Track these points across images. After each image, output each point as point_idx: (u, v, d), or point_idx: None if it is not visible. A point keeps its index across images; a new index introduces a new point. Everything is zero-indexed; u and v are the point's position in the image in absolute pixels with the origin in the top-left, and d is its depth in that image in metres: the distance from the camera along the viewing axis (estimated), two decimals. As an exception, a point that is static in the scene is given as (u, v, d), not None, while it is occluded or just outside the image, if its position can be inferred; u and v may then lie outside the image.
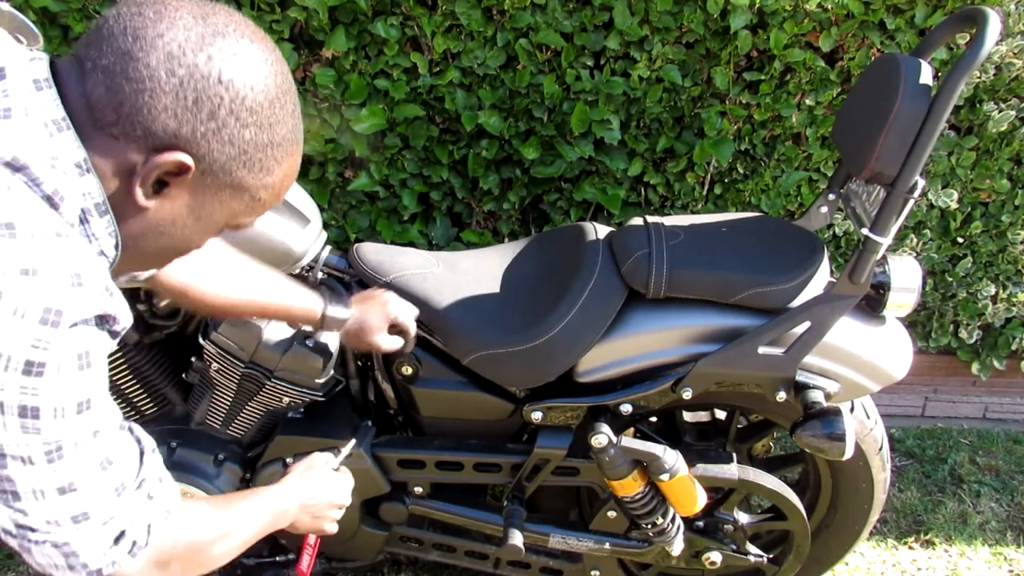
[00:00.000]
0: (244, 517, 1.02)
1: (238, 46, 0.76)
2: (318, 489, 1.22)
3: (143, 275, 1.14)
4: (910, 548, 2.14)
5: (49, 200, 0.72)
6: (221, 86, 0.74)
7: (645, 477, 1.49)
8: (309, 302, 1.35)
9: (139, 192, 0.76)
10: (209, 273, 1.27)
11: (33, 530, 0.75)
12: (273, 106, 0.79)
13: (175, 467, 1.51)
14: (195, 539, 0.92)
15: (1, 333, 0.66)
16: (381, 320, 1.40)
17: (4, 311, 0.66)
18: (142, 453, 0.84)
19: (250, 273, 1.31)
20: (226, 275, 1.29)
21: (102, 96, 0.73)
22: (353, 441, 1.45)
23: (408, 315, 1.43)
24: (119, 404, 1.52)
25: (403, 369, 1.53)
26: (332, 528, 1.27)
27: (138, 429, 0.85)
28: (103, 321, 0.75)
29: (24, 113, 0.71)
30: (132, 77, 0.72)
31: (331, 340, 1.49)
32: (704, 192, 2.18)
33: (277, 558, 1.70)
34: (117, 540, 0.80)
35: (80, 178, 0.74)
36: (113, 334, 0.77)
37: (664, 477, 1.45)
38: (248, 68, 0.76)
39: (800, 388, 1.42)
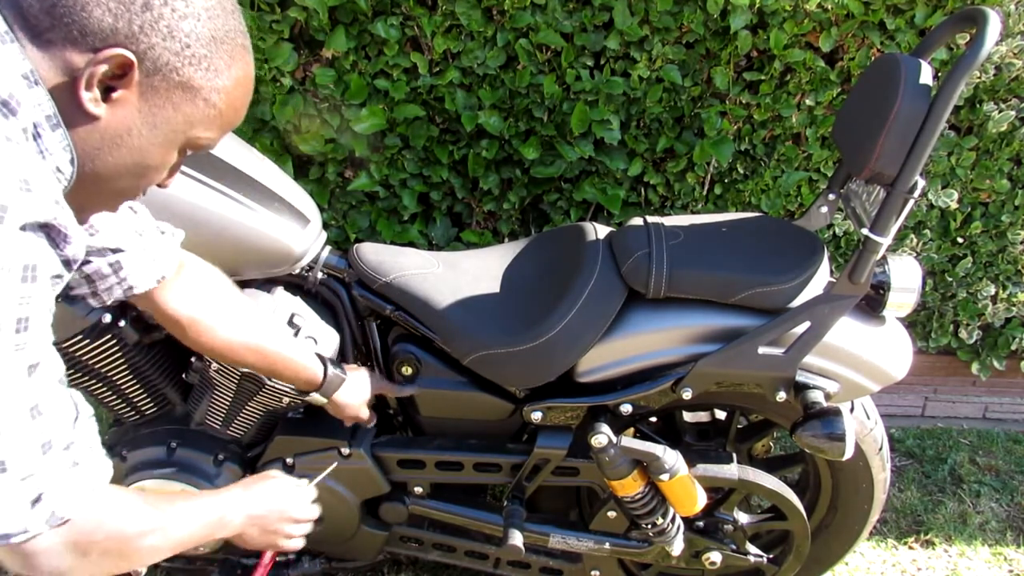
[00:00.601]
0: (180, 518, 0.96)
1: None
2: (269, 500, 1.16)
3: (139, 287, 1.12)
4: (910, 548, 2.14)
5: (5, 105, 0.71)
6: None
7: (645, 477, 1.49)
8: (313, 363, 1.37)
9: (85, 97, 0.74)
10: (220, 310, 1.25)
11: None
12: None
13: (175, 467, 1.52)
14: (121, 529, 0.85)
15: None
16: (369, 390, 1.48)
17: None
18: (77, 416, 0.80)
19: (260, 319, 1.31)
20: (237, 316, 1.27)
21: (34, 2, 0.72)
22: (335, 464, 1.50)
23: (390, 390, 1.53)
24: (119, 404, 1.52)
25: (403, 369, 1.53)
26: (289, 544, 1.21)
27: (77, 395, 0.81)
28: (53, 237, 0.73)
29: None
30: None
31: (331, 339, 1.50)
32: (704, 192, 2.18)
33: (277, 558, 1.69)
34: (34, 503, 0.74)
35: (29, 90, 0.72)
36: (65, 262, 0.74)
37: (664, 477, 1.45)
38: None
39: (800, 388, 1.42)
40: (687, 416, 1.75)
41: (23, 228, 0.68)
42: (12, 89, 0.71)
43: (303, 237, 1.45)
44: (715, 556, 1.65)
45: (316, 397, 1.41)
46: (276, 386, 1.47)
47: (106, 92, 0.75)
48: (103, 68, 0.73)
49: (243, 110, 0.87)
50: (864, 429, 1.58)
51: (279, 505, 1.17)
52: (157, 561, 0.93)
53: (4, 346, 0.68)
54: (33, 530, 0.75)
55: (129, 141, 0.78)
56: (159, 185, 0.88)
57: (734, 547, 1.66)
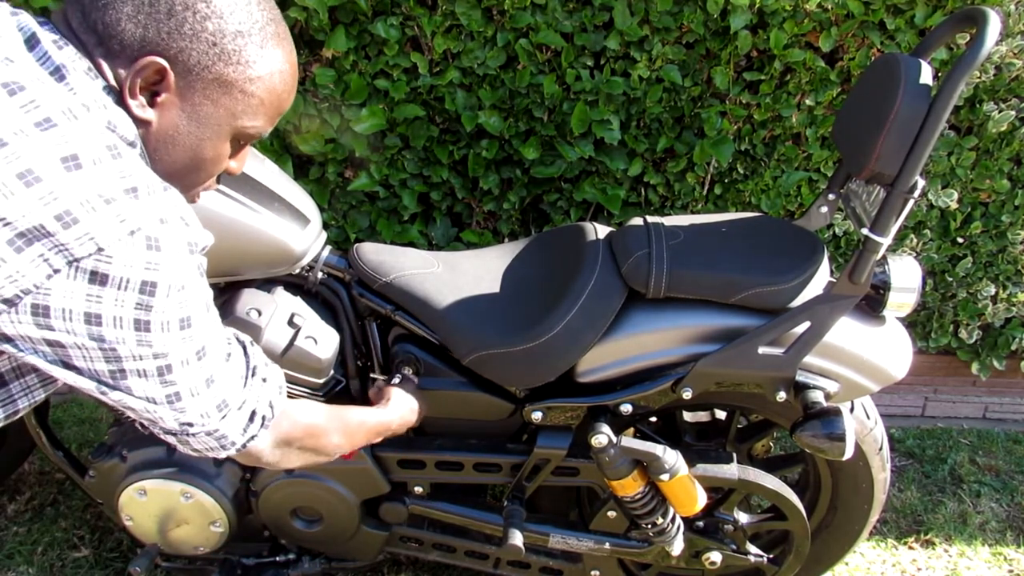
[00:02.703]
0: (355, 426, 1.21)
1: None
2: (403, 405, 1.40)
3: None
4: (910, 548, 2.14)
5: (132, 144, 0.82)
6: None
7: (645, 477, 1.49)
8: None
9: (133, 105, 0.83)
10: None
11: (191, 424, 0.90)
12: None
13: (175, 467, 1.52)
14: (312, 423, 1.10)
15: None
16: None
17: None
18: (244, 345, 0.98)
19: None
20: None
21: (80, 24, 0.81)
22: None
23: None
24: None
25: (404, 369, 1.52)
26: (416, 418, 1.45)
27: (227, 328, 0.98)
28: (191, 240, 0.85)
29: (74, 70, 0.79)
30: None
31: (331, 339, 1.49)
32: (704, 192, 2.18)
33: (277, 558, 1.70)
34: (251, 418, 0.97)
35: (122, 116, 0.83)
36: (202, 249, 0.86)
37: (664, 477, 1.45)
38: None
39: (800, 388, 1.42)
40: (687, 416, 1.75)
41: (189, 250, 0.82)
42: (125, 131, 0.82)
43: (303, 237, 1.45)
44: (715, 556, 1.65)
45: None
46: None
47: (152, 98, 0.84)
48: (142, 76, 0.81)
49: (288, 95, 0.93)
50: (864, 429, 1.58)
51: (408, 405, 1.41)
52: (337, 456, 1.18)
53: (212, 323, 0.88)
54: (256, 434, 0.99)
55: (179, 139, 0.87)
56: (228, 172, 0.97)
57: (734, 547, 1.66)
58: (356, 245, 1.55)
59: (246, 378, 0.96)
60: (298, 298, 1.49)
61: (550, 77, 1.97)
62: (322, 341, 1.47)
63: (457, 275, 1.53)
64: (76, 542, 1.93)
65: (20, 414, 0.90)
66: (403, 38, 1.92)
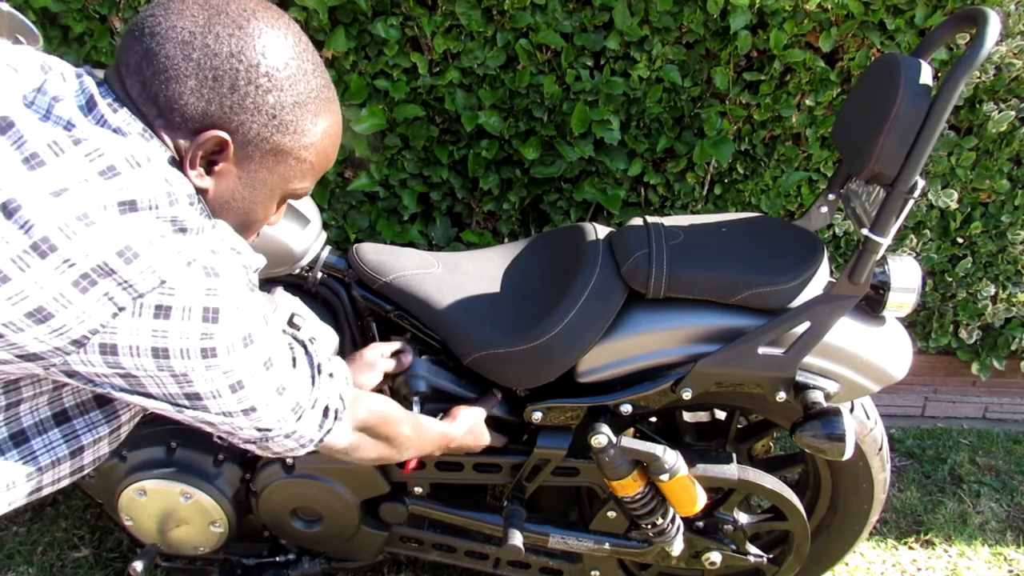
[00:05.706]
0: (425, 426, 1.28)
1: (242, 20, 0.83)
2: (468, 421, 1.43)
3: None
4: (910, 548, 2.14)
5: (191, 203, 0.82)
6: (234, 59, 0.82)
7: (645, 477, 1.49)
8: None
9: (192, 174, 0.84)
10: None
11: (270, 430, 0.93)
12: (288, 67, 0.85)
13: (176, 467, 1.52)
14: (385, 411, 1.16)
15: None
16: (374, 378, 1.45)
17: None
18: (304, 345, 1.00)
19: None
20: None
21: (140, 94, 0.82)
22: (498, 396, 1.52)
23: (395, 367, 1.48)
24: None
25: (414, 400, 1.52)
26: (485, 442, 1.49)
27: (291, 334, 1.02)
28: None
29: (130, 132, 0.80)
30: (157, 70, 0.81)
31: (330, 339, 1.50)
32: (704, 192, 2.18)
33: (277, 558, 1.70)
34: (325, 414, 1.01)
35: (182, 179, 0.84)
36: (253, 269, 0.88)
37: (664, 477, 1.45)
38: (254, 38, 0.83)
39: (800, 388, 1.42)
40: (687, 416, 1.75)
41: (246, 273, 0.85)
42: (175, 180, 0.81)
43: (303, 237, 1.45)
44: (715, 556, 1.65)
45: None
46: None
47: (209, 166, 0.86)
48: (203, 148, 0.83)
49: (333, 155, 0.97)
50: (864, 429, 1.58)
51: (478, 427, 1.46)
52: (410, 457, 1.27)
53: (272, 334, 0.90)
54: (331, 428, 1.02)
55: (234, 204, 0.90)
56: (268, 224, 1.01)
57: (734, 547, 1.66)
58: (356, 245, 1.55)
59: (314, 377, 0.99)
60: (298, 298, 1.49)
61: (550, 77, 1.97)
62: (322, 341, 1.47)
63: (457, 275, 1.53)
64: (76, 542, 1.93)
65: (85, 452, 0.92)
66: (403, 38, 1.92)
